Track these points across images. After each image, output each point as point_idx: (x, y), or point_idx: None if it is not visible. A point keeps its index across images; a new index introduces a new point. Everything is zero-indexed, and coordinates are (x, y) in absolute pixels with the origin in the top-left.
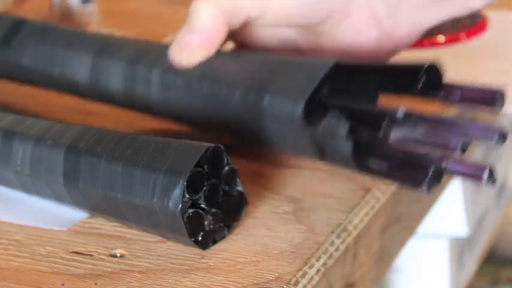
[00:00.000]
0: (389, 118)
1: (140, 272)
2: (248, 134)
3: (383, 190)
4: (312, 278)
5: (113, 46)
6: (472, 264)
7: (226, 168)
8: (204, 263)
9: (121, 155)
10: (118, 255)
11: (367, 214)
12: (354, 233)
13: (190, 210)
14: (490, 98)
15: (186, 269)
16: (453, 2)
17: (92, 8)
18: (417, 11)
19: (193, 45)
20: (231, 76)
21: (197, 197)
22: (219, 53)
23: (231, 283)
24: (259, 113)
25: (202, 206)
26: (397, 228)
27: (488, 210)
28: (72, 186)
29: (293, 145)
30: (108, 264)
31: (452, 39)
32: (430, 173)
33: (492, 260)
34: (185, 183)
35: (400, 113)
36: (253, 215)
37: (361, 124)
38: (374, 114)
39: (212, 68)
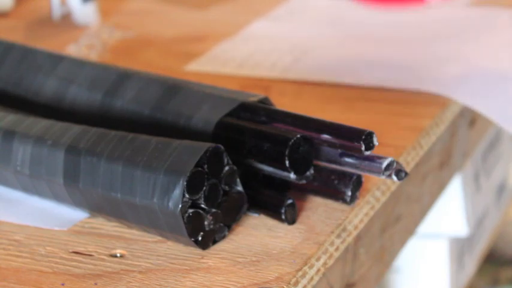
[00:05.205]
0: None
1: (140, 272)
2: None
3: (383, 190)
4: (312, 278)
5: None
6: (472, 264)
7: (226, 168)
8: (204, 263)
9: (121, 155)
10: (118, 255)
11: (367, 214)
12: (354, 233)
13: (190, 210)
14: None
15: (186, 269)
16: None
17: (92, 8)
18: None
19: None
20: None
21: (197, 197)
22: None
23: (231, 283)
24: None
25: (202, 206)
26: (397, 228)
27: (488, 210)
28: (72, 186)
29: None
30: (108, 264)
31: None
32: (351, 190)
33: (492, 260)
34: (185, 183)
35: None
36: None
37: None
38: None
39: None
